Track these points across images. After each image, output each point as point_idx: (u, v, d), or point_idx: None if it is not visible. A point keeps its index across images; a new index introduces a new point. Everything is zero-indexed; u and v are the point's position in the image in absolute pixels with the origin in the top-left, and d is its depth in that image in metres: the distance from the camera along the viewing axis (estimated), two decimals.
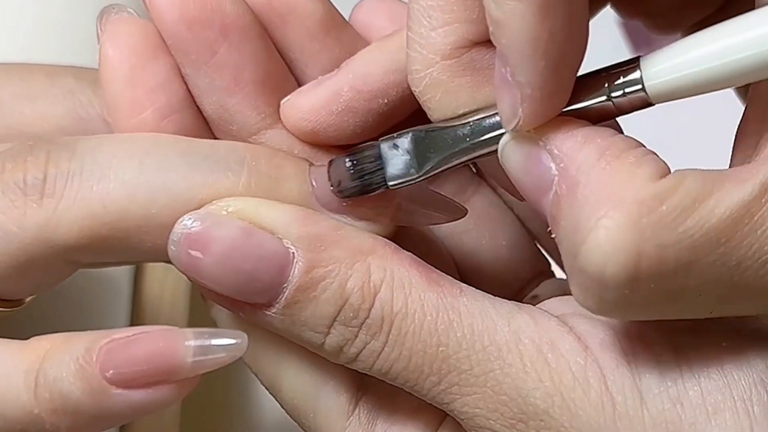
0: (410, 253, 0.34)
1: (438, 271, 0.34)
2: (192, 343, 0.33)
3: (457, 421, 0.33)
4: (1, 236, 0.33)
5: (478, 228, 0.40)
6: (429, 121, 0.34)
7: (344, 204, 0.34)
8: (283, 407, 0.36)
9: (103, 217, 0.33)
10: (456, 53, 0.33)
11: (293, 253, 0.33)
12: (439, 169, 0.34)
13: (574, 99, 0.31)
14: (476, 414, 0.33)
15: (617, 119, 0.33)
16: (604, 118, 0.32)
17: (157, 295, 0.49)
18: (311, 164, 0.35)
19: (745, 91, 0.36)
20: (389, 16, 0.39)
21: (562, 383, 0.32)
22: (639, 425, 0.31)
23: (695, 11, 0.39)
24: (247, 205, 0.33)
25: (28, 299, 0.36)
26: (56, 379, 0.33)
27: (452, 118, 0.34)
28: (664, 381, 0.32)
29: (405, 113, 0.37)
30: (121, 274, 0.48)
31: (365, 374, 0.34)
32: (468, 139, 0.33)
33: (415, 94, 0.34)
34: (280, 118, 0.36)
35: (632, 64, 0.31)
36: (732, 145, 0.32)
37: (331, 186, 0.34)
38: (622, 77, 0.31)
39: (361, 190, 0.34)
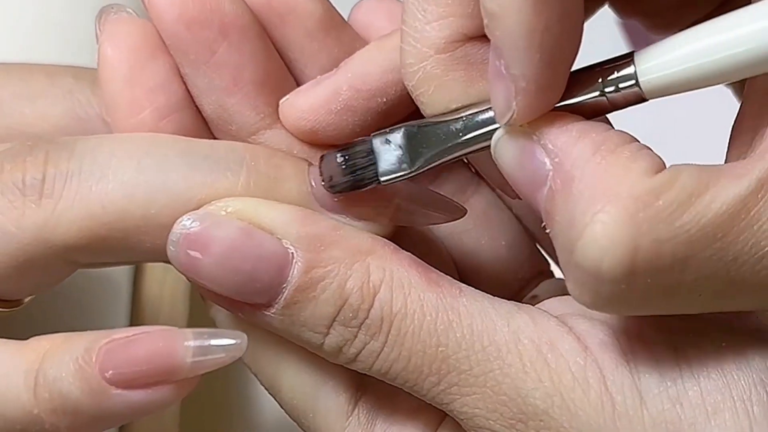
0: (409, 254, 0.34)
1: (437, 271, 0.34)
2: (191, 343, 0.33)
3: (457, 421, 0.33)
4: (0, 237, 0.33)
5: (477, 228, 0.40)
6: None
7: (336, 199, 0.34)
8: (282, 407, 0.36)
9: (102, 217, 0.33)
10: (450, 47, 0.33)
11: (292, 253, 0.33)
12: (432, 165, 0.34)
13: (567, 94, 0.31)
14: (476, 414, 0.33)
15: (608, 116, 0.33)
16: (598, 114, 0.32)
17: (156, 295, 0.49)
18: (310, 164, 0.35)
19: (740, 87, 0.36)
20: (388, 16, 0.39)
21: (562, 383, 0.32)
22: (638, 425, 0.31)
23: (693, 10, 0.39)
24: (246, 206, 0.33)
25: (27, 299, 0.36)
26: (56, 379, 0.33)
27: (445, 113, 0.34)
28: (664, 381, 0.32)
29: (404, 112, 0.37)
30: (121, 274, 0.48)
31: (364, 374, 0.34)
32: (461, 135, 0.33)
33: (408, 88, 0.34)
34: (279, 118, 0.36)
35: (626, 59, 0.31)
36: (727, 140, 0.32)
37: (323, 181, 0.34)
38: (616, 72, 0.31)
39: (352, 185, 0.34)
